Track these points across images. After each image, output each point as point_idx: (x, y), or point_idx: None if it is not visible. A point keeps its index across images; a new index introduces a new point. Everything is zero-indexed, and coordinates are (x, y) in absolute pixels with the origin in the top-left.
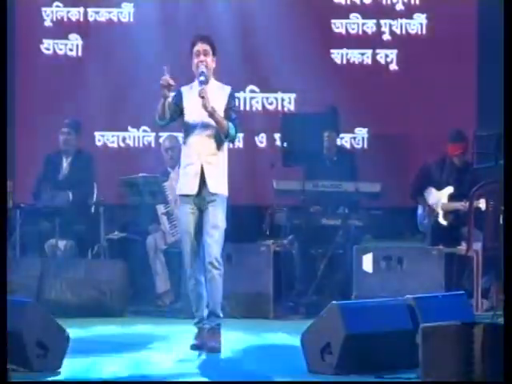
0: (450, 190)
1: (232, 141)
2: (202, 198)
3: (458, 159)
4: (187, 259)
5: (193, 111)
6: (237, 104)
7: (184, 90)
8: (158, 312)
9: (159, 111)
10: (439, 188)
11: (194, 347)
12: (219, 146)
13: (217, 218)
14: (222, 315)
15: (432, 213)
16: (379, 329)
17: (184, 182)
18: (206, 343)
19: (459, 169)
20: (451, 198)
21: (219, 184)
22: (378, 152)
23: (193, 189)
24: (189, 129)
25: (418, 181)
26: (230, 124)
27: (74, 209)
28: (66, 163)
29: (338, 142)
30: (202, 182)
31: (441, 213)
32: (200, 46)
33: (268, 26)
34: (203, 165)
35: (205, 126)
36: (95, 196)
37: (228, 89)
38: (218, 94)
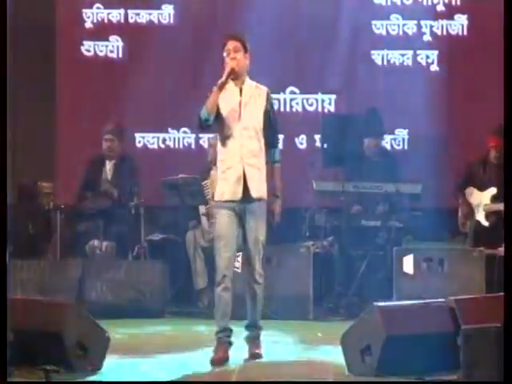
0: (492, 191)
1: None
2: (243, 204)
3: (498, 158)
4: (221, 264)
5: (230, 113)
6: (275, 107)
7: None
8: (197, 313)
9: (210, 105)
10: (482, 188)
11: (214, 362)
12: (260, 147)
13: (259, 232)
14: (262, 326)
15: (472, 214)
16: (420, 330)
17: (225, 188)
18: (247, 350)
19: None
20: (494, 198)
21: (261, 188)
22: (418, 153)
23: (236, 194)
24: (226, 131)
25: (460, 180)
26: (277, 152)
27: (115, 210)
28: (109, 166)
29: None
30: (245, 186)
31: (483, 214)
32: (230, 44)
33: (308, 27)
34: (245, 168)
35: (244, 127)
36: (136, 197)
37: (265, 90)
38: (256, 95)
